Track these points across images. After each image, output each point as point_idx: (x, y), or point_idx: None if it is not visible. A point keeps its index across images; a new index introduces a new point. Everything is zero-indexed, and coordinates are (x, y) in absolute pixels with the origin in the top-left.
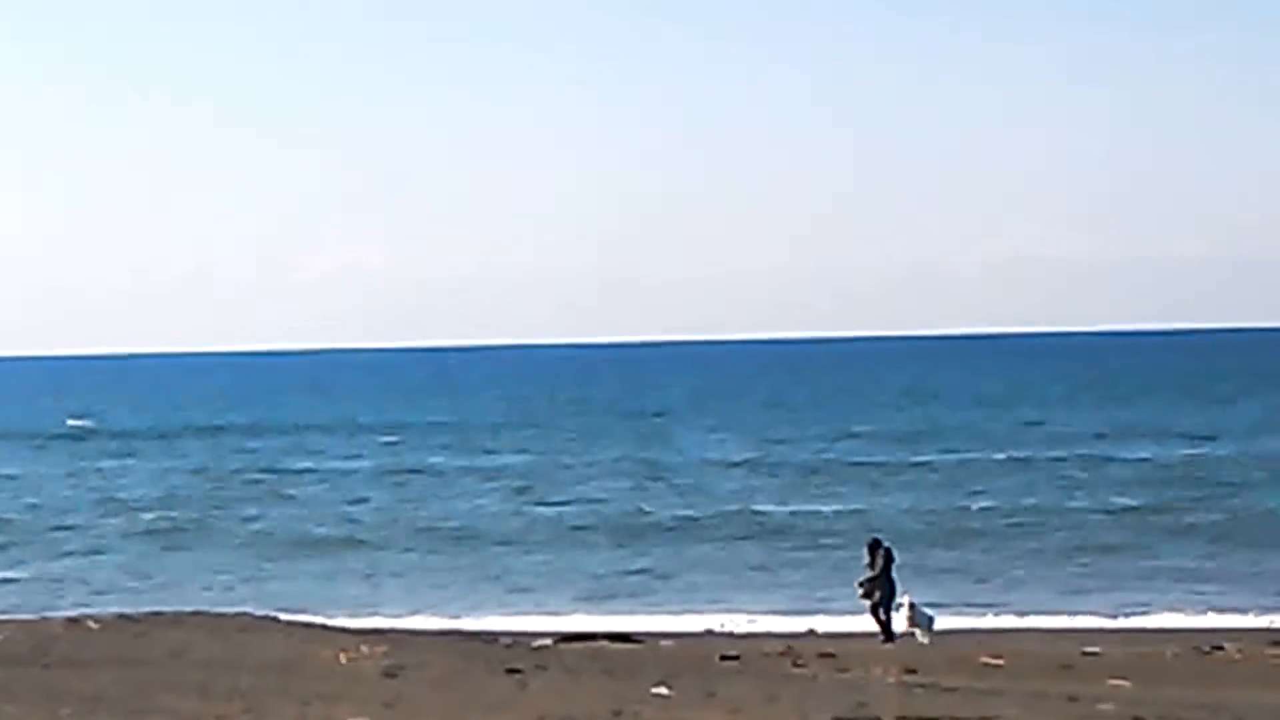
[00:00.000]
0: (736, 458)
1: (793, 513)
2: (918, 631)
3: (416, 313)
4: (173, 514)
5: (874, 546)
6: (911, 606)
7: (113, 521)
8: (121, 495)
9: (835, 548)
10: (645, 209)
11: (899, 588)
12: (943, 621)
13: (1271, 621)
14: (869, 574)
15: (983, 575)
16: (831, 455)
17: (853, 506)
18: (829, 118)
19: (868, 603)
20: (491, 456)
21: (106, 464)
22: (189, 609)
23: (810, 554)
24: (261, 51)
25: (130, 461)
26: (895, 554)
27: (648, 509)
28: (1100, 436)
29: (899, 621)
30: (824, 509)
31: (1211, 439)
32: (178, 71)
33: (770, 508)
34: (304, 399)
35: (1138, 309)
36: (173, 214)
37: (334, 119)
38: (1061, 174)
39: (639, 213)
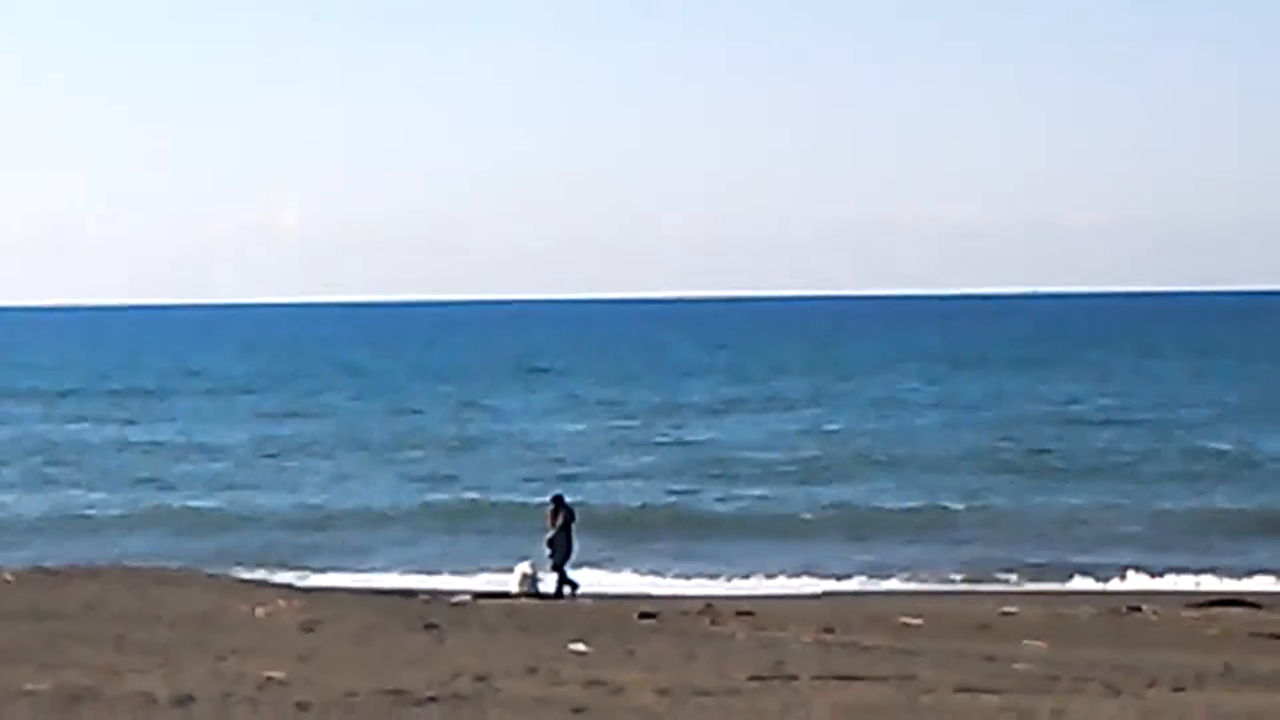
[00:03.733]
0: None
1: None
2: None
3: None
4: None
5: (557, 503)
6: (526, 574)
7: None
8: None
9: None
10: (583, 166)
11: (574, 546)
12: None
13: (1189, 584)
14: (551, 531)
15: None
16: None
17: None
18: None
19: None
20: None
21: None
22: (105, 562)
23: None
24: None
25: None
26: (575, 513)
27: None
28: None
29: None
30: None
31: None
32: (93, 23)
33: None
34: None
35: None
36: (86, 169)
37: (248, 76)
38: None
39: (582, 170)
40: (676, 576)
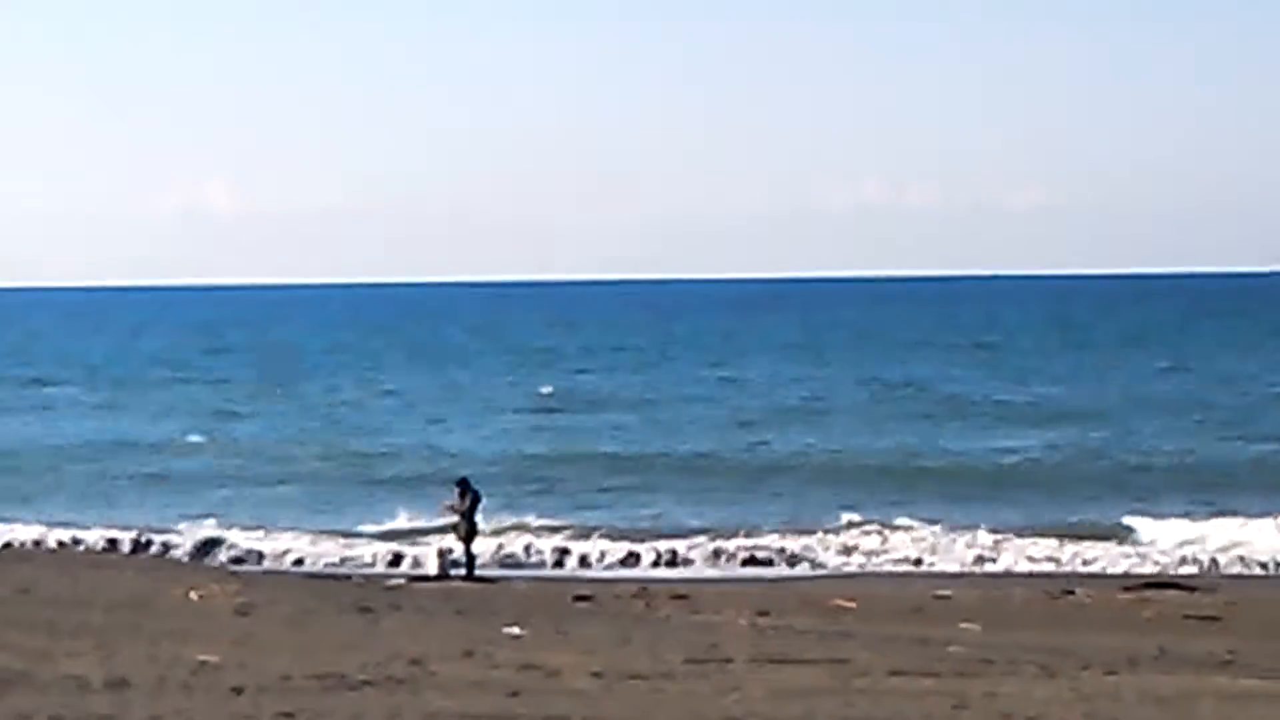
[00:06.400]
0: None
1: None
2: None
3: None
4: None
5: (464, 486)
6: (441, 552)
7: None
8: None
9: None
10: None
11: (479, 528)
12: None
13: (1121, 568)
14: (458, 510)
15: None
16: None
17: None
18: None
19: (458, 541)
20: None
21: None
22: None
23: None
24: None
25: None
26: (482, 496)
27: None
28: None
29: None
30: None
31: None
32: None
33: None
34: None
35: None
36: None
37: (190, 52)
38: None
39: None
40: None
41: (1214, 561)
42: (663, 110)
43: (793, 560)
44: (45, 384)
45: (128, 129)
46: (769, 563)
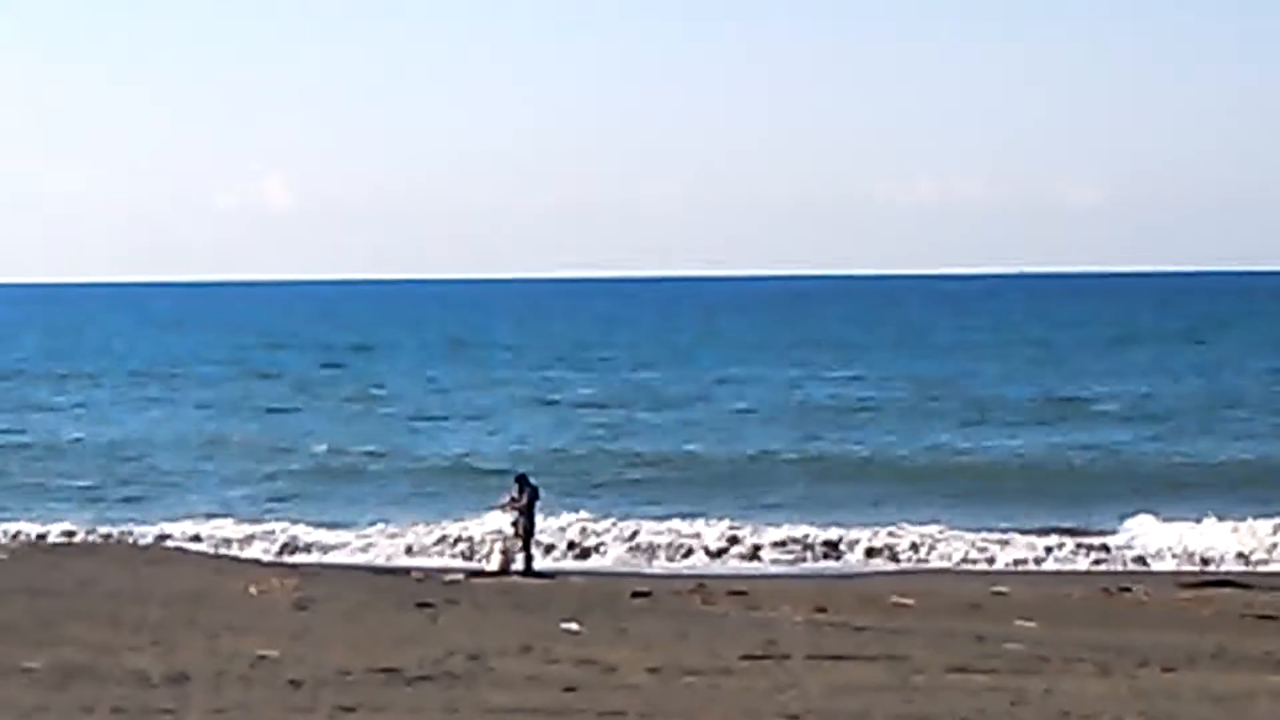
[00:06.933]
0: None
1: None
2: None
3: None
4: None
5: (521, 482)
6: (503, 550)
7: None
8: None
9: None
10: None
11: (537, 524)
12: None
13: (1180, 565)
14: (515, 506)
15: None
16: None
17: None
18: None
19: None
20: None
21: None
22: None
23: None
24: None
25: None
26: (540, 492)
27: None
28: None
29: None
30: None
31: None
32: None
33: None
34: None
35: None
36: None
37: (247, 55)
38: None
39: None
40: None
41: (1272, 560)
42: (722, 103)
43: (847, 556)
44: (95, 380)
45: (185, 127)
46: (826, 557)
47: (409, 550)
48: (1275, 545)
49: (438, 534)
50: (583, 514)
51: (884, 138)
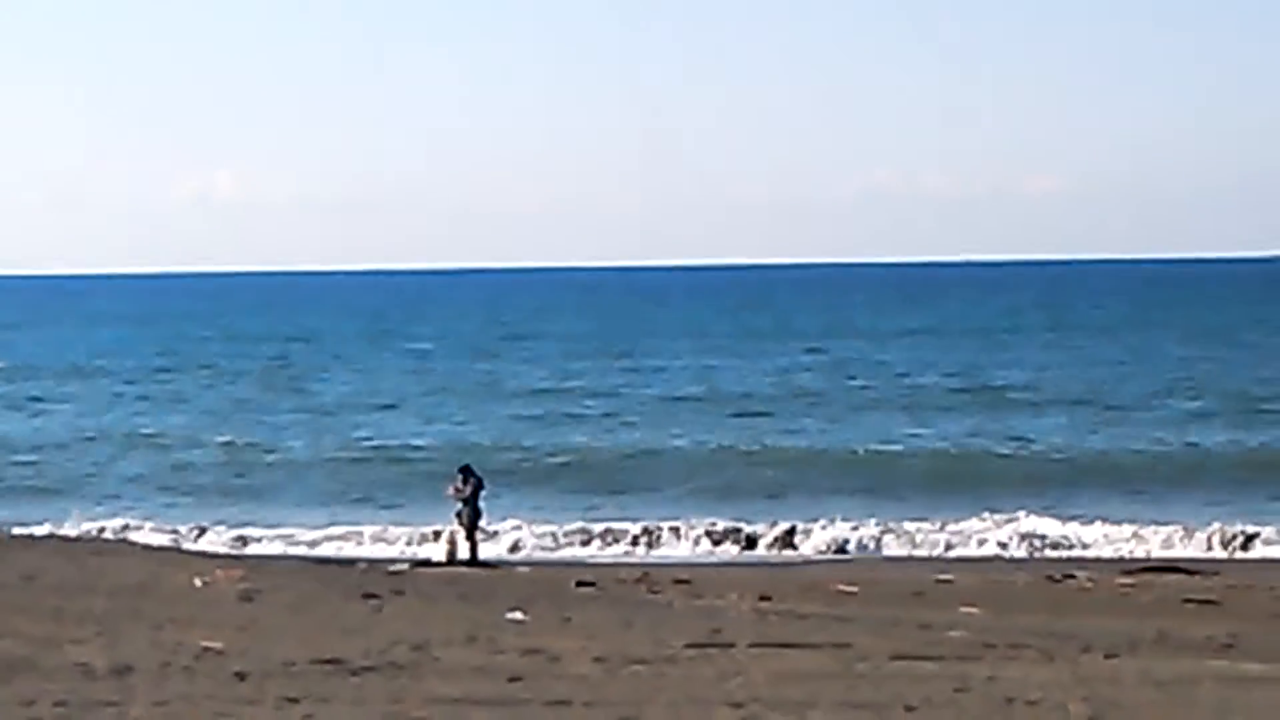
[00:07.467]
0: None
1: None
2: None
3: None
4: None
5: (466, 473)
6: (450, 542)
7: None
8: None
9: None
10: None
11: (482, 514)
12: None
13: (1121, 552)
14: (460, 496)
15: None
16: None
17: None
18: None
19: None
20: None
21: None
22: (42, 532)
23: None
24: None
25: None
26: (485, 482)
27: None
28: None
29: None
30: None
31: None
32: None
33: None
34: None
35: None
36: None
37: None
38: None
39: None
40: None
41: (1214, 546)
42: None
43: (793, 545)
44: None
45: (138, 120)
46: (771, 547)
47: (354, 541)
48: (1211, 533)
49: (382, 524)
50: (514, 506)
51: (836, 132)
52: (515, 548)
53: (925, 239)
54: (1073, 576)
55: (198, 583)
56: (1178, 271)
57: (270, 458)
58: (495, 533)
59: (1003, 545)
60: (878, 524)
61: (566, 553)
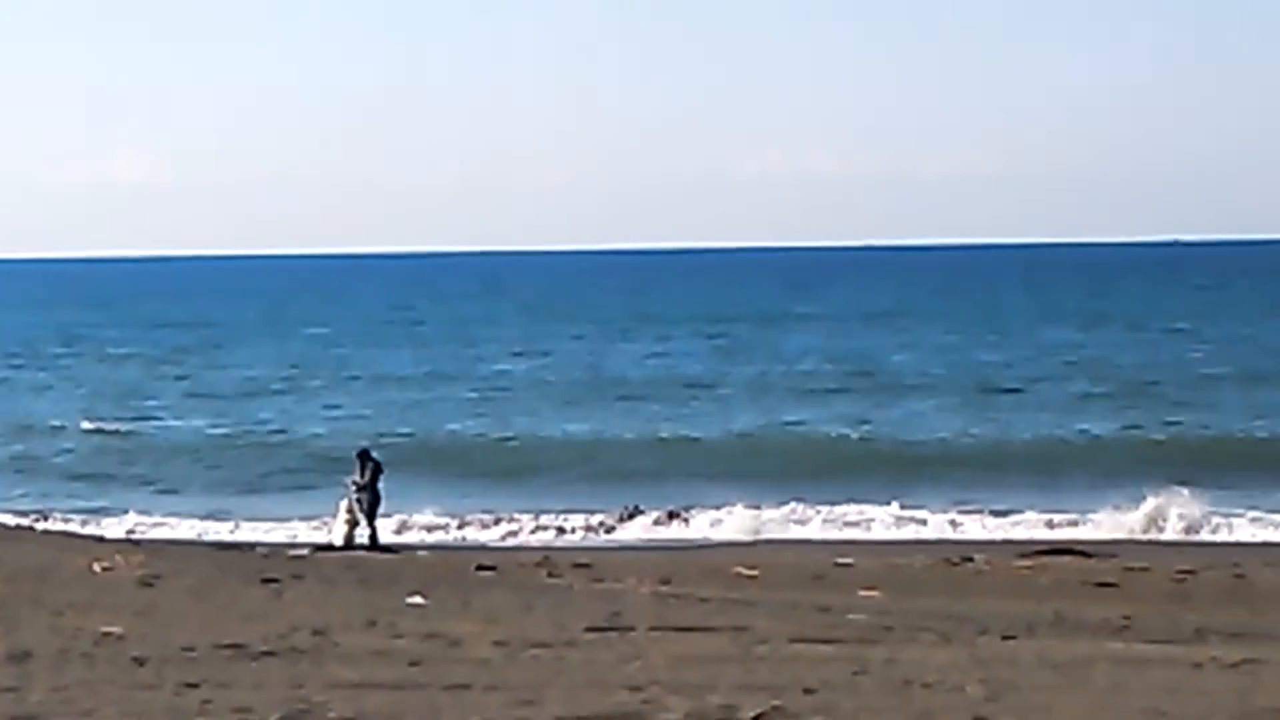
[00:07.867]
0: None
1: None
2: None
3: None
4: None
5: (363, 457)
6: (348, 525)
7: None
8: None
9: None
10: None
11: (382, 498)
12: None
13: (1020, 534)
14: (358, 483)
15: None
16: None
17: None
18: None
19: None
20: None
21: None
22: None
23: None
24: None
25: None
26: (384, 467)
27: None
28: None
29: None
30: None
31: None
32: None
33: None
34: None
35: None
36: None
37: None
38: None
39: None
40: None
41: (1112, 528)
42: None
43: (693, 529)
44: None
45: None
46: (671, 531)
47: (254, 526)
48: (1108, 516)
49: (282, 509)
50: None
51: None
52: (410, 530)
53: (815, 223)
54: (971, 560)
55: (97, 568)
56: (1065, 255)
57: (169, 443)
58: (393, 516)
59: (901, 528)
60: (778, 508)
61: (466, 535)
